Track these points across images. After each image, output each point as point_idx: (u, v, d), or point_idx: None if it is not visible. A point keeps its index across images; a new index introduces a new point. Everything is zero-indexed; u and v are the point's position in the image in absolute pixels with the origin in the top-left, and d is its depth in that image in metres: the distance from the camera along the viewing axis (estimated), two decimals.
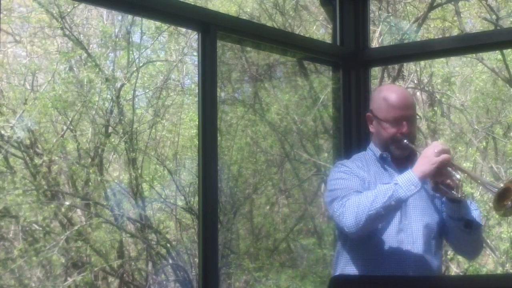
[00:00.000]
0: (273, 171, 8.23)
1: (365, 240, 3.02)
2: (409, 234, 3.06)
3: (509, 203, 2.85)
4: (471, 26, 9.19)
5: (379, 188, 2.95)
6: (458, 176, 2.96)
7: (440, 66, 9.01)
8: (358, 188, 3.02)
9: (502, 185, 2.86)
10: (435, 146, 2.97)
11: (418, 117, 3.02)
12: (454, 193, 2.97)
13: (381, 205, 2.89)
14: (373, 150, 3.21)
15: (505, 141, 8.84)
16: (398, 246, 3.05)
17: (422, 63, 8.53)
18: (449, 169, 2.96)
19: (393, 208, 2.93)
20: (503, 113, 8.99)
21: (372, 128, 3.21)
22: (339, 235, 3.19)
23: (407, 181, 2.91)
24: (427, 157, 2.94)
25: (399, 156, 3.14)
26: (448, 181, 2.97)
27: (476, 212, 3.09)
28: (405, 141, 3.10)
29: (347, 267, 3.12)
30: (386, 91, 3.19)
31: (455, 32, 8.66)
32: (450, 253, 8.67)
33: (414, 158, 3.12)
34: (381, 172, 3.15)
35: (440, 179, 2.97)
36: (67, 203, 7.79)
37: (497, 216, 8.43)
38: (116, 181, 8.01)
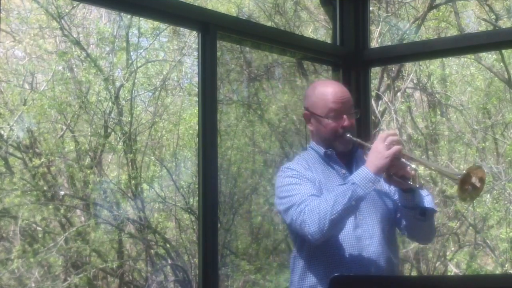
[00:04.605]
0: (272, 171, 8.23)
1: (323, 241, 2.93)
2: (365, 229, 3.01)
3: (469, 187, 2.82)
4: (468, 24, 9.19)
5: (337, 190, 2.87)
6: (413, 166, 2.91)
7: (439, 66, 9.02)
8: (312, 192, 2.94)
9: (464, 171, 2.83)
10: (385, 138, 2.90)
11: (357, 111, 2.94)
12: (411, 183, 2.92)
13: (342, 207, 2.82)
14: (315, 149, 3.12)
15: (504, 141, 8.85)
16: (357, 243, 3.00)
17: (422, 63, 8.54)
18: (403, 160, 2.91)
19: (354, 208, 2.87)
20: (501, 113, 9.00)
21: (311, 127, 3.12)
22: (294, 241, 3.09)
23: (363, 178, 2.85)
24: (379, 151, 2.88)
25: (343, 150, 3.08)
26: (402, 172, 2.91)
27: (428, 198, 3.05)
28: (348, 135, 3.03)
29: (306, 272, 3.04)
30: (321, 87, 3.11)
31: (454, 32, 8.67)
32: (450, 253, 8.68)
33: (357, 152, 3.08)
34: (328, 170, 3.08)
35: (393, 171, 2.92)
36: (67, 203, 7.80)
37: (496, 218, 8.44)
38: (115, 181, 8.00)
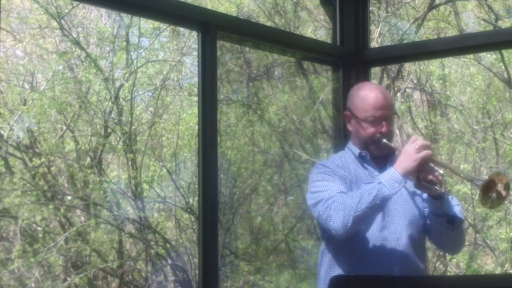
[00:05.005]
0: (272, 171, 8.23)
1: (349, 239, 3.01)
2: (392, 231, 3.07)
3: (494, 194, 2.85)
4: (468, 24, 9.19)
5: (363, 188, 2.94)
6: (440, 171, 2.95)
7: (439, 66, 9.02)
8: (341, 189, 3.02)
9: (486, 177, 2.86)
10: (416, 142, 2.96)
11: (396, 116, 3.04)
12: (437, 188, 2.96)
13: (367, 205, 2.89)
14: (351, 149, 3.21)
15: (504, 141, 8.85)
16: (382, 244, 3.06)
17: (421, 63, 8.54)
18: (431, 164, 2.96)
19: (379, 207, 2.93)
20: (501, 113, 8.99)
21: (350, 127, 3.21)
22: (323, 235, 3.18)
23: (390, 179, 2.91)
24: (408, 154, 2.94)
25: (378, 155, 3.15)
26: (430, 177, 2.96)
27: (457, 208, 3.10)
28: (384, 140, 3.11)
29: (332, 267, 3.12)
30: (365, 90, 3.18)
31: (454, 32, 8.67)
32: (449, 255, 8.68)
33: (392, 156, 3.14)
34: (361, 170, 3.16)
35: (422, 175, 2.97)
36: (67, 203, 7.80)
37: (496, 217, 8.44)
38: (115, 181, 8.00)
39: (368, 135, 3.12)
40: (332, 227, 2.94)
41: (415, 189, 3.09)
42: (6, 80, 7.92)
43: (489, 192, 2.83)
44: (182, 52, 8.59)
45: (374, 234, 3.05)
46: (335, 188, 3.02)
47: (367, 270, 3.03)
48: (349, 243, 3.04)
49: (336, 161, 3.18)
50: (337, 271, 3.10)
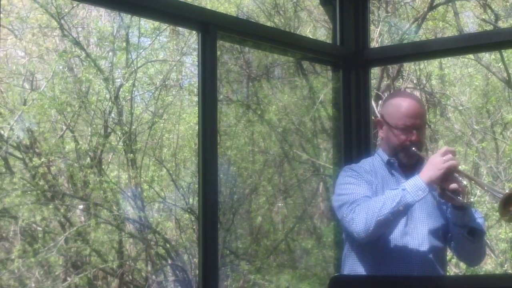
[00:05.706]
0: (272, 171, 8.23)
1: (371, 243, 3.06)
2: (414, 237, 3.11)
3: None
4: (467, 24, 9.19)
5: (387, 194, 2.98)
6: (464, 182, 2.99)
7: (438, 66, 9.02)
8: (367, 193, 3.07)
9: (507, 191, 2.89)
10: (443, 152, 3.00)
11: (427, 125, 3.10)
12: (460, 199, 2.99)
13: (390, 211, 2.93)
14: (380, 155, 3.26)
15: (504, 141, 8.85)
16: (403, 249, 3.09)
17: (421, 63, 8.54)
18: (456, 175, 2.99)
19: (401, 213, 2.97)
20: (500, 113, 9.00)
21: (381, 133, 3.25)
22: (346, 237, 3.23)
23: (414, 186, 2.95)
24: (435, 163, 2.98)
25: (407, 163, 3.19)
26: (455, 186, 2.99)
27: (480, 220, 3.13)
28: (413, 148, 3.14)
29: (355, 268, 3.16)
30: (399, 98, 3.23)
31: (453, 32, 8.67)
32: (449, 254, 8.67)
33: (421, 165, 3.15)
34: (388, 176, 3.20)
35: (446, 185, 3.00)
36: (67, 203, 7.80)
37: (495, 218, 8.44)
38: (115, 181, 8.00)
39: (398, 142, 3.16)
40: (354, 229, 2.99)
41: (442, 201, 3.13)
42: (6, 80, 7.92)
43: (509, 206, 2.87)
44: (182, 52, 8.59)
45: (395, 239, 3.10)
46: (361, 192, 3.07)
47: (388, 273, 3.07)
48: (370, 247, 3.09)
49: (364, 166, 3.23)
50: (360, 272, 3.14)
